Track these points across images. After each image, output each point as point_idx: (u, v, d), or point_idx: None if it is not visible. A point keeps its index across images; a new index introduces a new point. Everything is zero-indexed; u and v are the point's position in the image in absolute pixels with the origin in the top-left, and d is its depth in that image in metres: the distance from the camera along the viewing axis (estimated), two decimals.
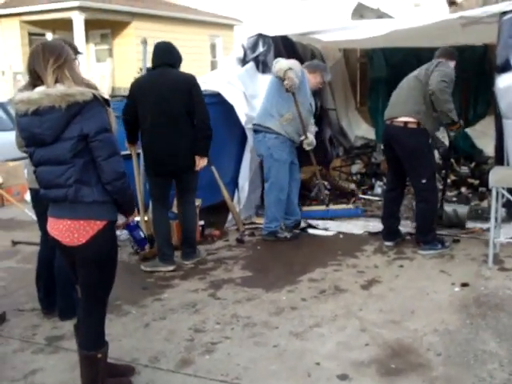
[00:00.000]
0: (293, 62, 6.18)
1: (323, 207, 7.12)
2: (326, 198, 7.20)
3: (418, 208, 5.97)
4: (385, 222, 6.22)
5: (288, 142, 6.31)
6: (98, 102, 3.04)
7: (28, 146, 3.16)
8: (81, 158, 3.04)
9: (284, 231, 6.46)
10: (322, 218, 6.99)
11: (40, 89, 3.03)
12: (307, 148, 6.49)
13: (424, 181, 5.77)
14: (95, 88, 3.13)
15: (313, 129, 6.64)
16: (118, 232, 3.50)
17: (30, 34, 18.63)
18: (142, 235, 3.77)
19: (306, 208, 7.30)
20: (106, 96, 3.11)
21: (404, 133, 5.77)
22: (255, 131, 6.45)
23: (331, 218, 6.99)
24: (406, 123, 5.74)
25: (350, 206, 7.58)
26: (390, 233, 6.17)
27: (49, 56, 3.05)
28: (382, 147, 6.51)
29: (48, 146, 3.05)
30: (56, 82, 3.02)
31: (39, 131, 3.02)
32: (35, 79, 3.08)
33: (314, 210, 7.27)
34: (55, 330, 4.34)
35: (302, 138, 6.39)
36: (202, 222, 6.52)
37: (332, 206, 7.22)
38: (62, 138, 3.01)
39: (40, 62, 3.04)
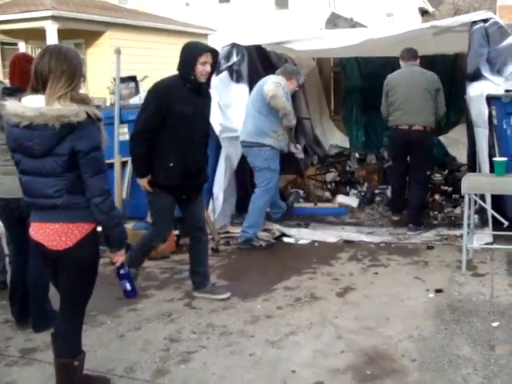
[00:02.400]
0: (281, 92, 6.32)
1: (312, 205, 7.78)
2: (314, 197, 7.86)
3: (417, 193, 6.86)
4: (395, 197, 7.24)
5: (278, 153, 6.56)
6: (91, 120, 2.99)
7: (15, 152, 3.13)
8: (71, 172, 3.04)
9: (259, 240, 6.47)
10: (312, 215, 7.56)
11: (36, 104, 2.96)
12: (302, 156, 7.39)
13: (428, 172, 7.04)
14: (89, 101, 3.09)
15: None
16: None
17: (2, 44, 18.44)
18: (129, 287, 3.50)
19: (297, 205, 7.87)
20: (99, 113, 3.05)
21: (425, 136, 6.71)
22: (248, 146, 6.52)
23: (307, 226, 7.07)
24: (424, 127, 6.67)
25: (336, 205, 7.96)
26: (399, 207, 7.11)
27: (66, 69, 3.02)
28: (392, 146, 7.27)
29: (37, 159, 3.03)
30: (58, 97, 2.97)
31: (29, 144, 3.00)
32: (38, 83, 3.02)
33: (304, 207, 7.82)
34: (29, 342, 4.28)
35: (295, 150, 7.05)
36: (176, 232, 6.49)
37: (320, 205, 7.80)
38: (52, 153, 2.99)
39: (54, 73, 2.99)
